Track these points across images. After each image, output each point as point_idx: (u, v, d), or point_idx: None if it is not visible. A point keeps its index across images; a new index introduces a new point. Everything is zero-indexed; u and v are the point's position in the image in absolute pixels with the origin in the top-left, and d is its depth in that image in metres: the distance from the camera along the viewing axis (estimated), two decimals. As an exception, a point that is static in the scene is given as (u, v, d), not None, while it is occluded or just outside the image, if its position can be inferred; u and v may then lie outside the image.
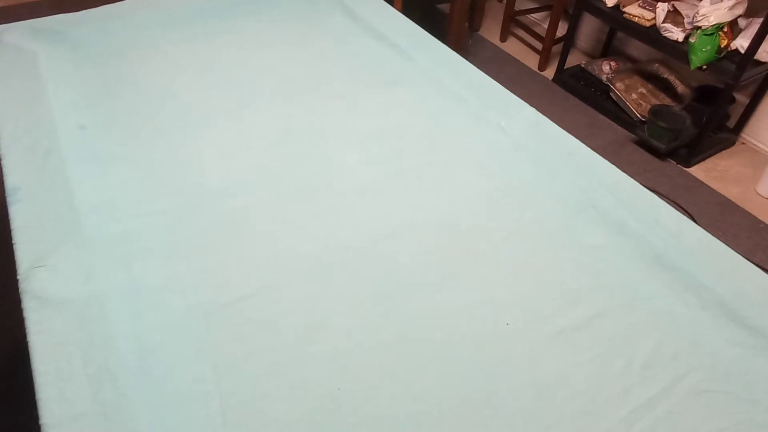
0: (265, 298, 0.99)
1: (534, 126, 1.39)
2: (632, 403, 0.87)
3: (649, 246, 1.10)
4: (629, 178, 1.23)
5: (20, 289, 0.91)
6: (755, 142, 2.68)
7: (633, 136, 2.68)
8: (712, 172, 2.54)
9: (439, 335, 0.96)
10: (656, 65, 2.74)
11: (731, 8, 2.25)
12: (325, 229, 1.14)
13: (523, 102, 1.46)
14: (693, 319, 0.99)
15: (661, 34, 2.46)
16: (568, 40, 3.00)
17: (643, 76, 2.80)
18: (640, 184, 1.22)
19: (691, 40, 2.32)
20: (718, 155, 2.64)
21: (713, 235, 1.10)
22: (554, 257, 1.11)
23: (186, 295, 0.98)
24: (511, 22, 3.40)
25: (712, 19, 2.24)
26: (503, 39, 3.46)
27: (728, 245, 1.08)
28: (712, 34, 2.25)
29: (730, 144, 2.69)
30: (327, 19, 1.83)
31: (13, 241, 0.99)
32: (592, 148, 1.31)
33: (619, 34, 3.08)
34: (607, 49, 3.16)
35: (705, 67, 2.31)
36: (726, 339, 0.96)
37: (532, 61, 3.28)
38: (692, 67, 2.33)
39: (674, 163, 2.58)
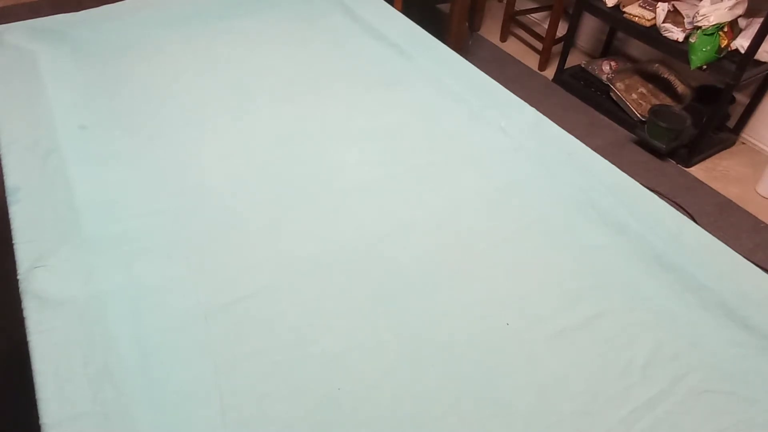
0: (265, 298, 0.99)
1: (534, 126, 1.39)
2: (632, 403, 0.87)
3: (649, 246, 1.10)
4: (629, 178, 1.23)
5: (20, 289, 0.91)
6: (755, 142, 2.68)
7: (633, 136, 2.68)
8: (712, 172, 2.54)
9: (439, 335, 0.96)
10: (656, 65, 2.74)
11: (731, 8, 2.25)
12: (325, 229, 1.14)
13: (523, 102, 1.46)
14: (693, 319, 0.99)
15: (661, 34, 2.46)
16: (568, 40, 3.00)
17: (643, 76, 2.80)
18: (640, 184, 1.22)
19: (692, 40, 2.32)
20: (718, 155, 2.63)
21: (713, 235, 1.10)
22: (554, 257, 1.11)
23: (186, 295, 0.98)
24: (511, 22, 3.40)
25: (712, 18, 2.24)
26: (503, 39, 3.46)
27: (728, 245, 1.08)
28: (712, 33, 2.25)
29: (730, 144, 2.68)
30: (327, 19, 1.83)
31: (13, 241, 0.99)
32: (592, 148, 1.31)
33: (619, 34, 3.08)
34: (607, 49, 3.15)
35: (705, 67, 2.31)
36: (726, 339, 0.96)
37: (532, 61, 3.28)
38: (692, 67, 2.33)
39: (674, 163, 2.58)
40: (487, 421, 0.85)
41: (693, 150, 2.53)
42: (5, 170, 1.14)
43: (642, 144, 2.63)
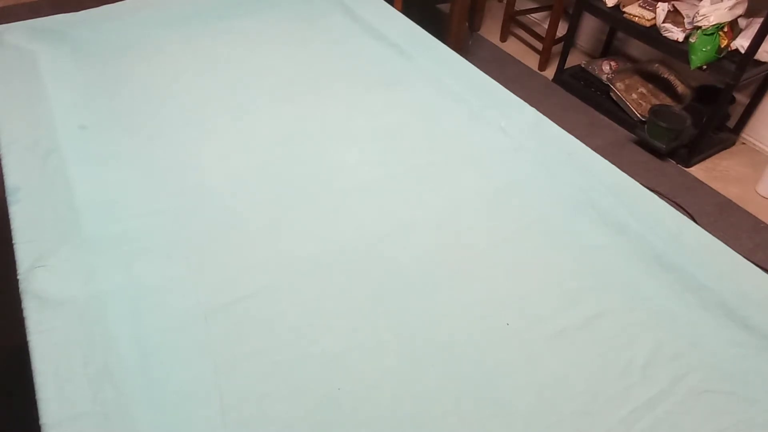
0: (265, 298, 0.99)
1: (534, 126, 1.39)
2: (632, 403, 0.87)
3: (649, 246, 1.10)
4: (629, 178, 1.23)
5: (20, 289, 0.91)
6: (755, 142, 2.68)
7: (633, 136, 2.68)
8: (712, 172, 2.54)
9: (439, 335, 0.96)
10: (656, 65, 2.74)
11: (731, 8, 2.25)
12: (325, 229, 1.14)
13: (523, 102, 1.46)
14: (693, 319, 0.99)
15: (661, 34, 2.47)
16: (568, 40, 3.00)
17: (643, 76, 2.80)
18: (640, 184, 1.22)
19: (692, 40, 2.32)
20: (718, 155, 2.64)
21: (713, 235, 1.10)
22: (554, 257, 1.11)
23: (186, 295, 0.98)
24: (511, 22, 3.40)
25: (712, 18, 2.24)
26: (503, 39, 3.46)
27: (728, 245, 1.08)
28: (712, 34, 2.25)
29: (730, 144, 2.69)
30: (327, 19, 1.83)
31: (13, 241, 0.99)
32: (592, 148, 1.31)
33: (619, 34, 3.08)
34: (607, 49, 3.16)
35: (705, 67, 2.32)
36: (726, 339, 0.96)
37: (532, 61, 3.28)
38: (692, 67, 2.33)
39: (674, 163, 2.58)
40: (487, 421, 0.85)
41: (693, 150, 2.53)
42: (5, 170, 1.14)
43: (642, 144, 2.63)
